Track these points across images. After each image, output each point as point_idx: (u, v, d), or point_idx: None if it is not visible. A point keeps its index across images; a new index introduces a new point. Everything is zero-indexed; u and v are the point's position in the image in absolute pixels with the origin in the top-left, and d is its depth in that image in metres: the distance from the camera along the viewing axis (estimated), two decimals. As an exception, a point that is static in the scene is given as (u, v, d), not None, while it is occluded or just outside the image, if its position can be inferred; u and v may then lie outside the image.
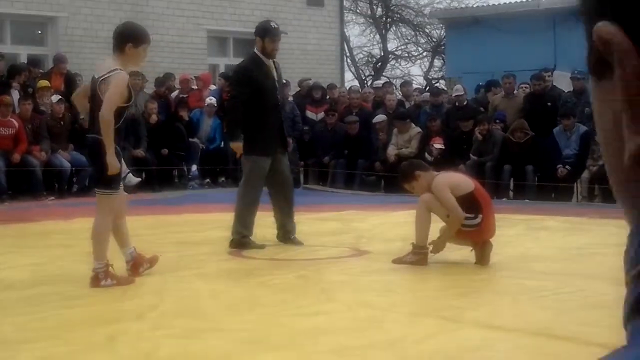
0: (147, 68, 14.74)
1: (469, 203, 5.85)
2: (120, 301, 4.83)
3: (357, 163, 13.00)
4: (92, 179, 11.18)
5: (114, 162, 5.12)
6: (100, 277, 5.18)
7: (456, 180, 6.03)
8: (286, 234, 7.01)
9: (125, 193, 11.42)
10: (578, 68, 13.06)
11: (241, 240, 6.81)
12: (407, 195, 7.87)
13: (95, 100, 5.23)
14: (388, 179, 12.54)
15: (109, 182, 5.23)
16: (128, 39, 5.27)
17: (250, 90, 6.81)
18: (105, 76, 5.15)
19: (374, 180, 13.05)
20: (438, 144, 12.20)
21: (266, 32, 6.92)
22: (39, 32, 15.76)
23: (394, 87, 16.13)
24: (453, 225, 5.83)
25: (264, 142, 6.81)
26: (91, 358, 3.70)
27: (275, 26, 7.02)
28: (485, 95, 13.59)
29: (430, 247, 5.93)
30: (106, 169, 5.14)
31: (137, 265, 5.43)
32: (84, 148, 9.19)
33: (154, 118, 12.76)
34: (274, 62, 7.00)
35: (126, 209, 5.59)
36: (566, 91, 13.04)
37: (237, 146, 6.97)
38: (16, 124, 11.23)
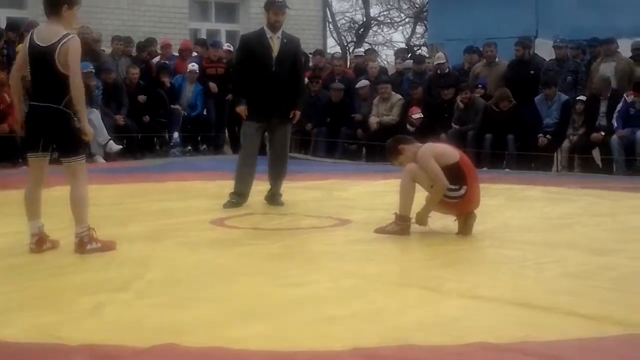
0: (129, 33, 14.66)
1: (454, 173, 5.87)
2: (105, 270, 4.85)
3: (339, 131, 13.01)
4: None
5: (88, 129, 5.22)
6: (85, 241, 5.22)
7: (441, 151, 6.03)
8: (271, 196, 7.62)
9: (104, 160, 11.50)
10: (560, 36, 13.09)
11: (229, 197, 7.38)
12: (388, 165, 7.91)
13: (48, 68, 5.10)
14: (370, 147, 12.58)
15: (78, 149, 5.27)
16: (63, 0, 5.21)
17: (247, 60, 7.36)
18: (63, 42, 5.08)
19: (356, 149, 13.06)
20: (416, 114, 12.23)
21: (270, 5, 7.37)
22: (18, -6, 15.53)
23: (377, 55, 16.03)
24: (436, 194, 5.87)
25: (254, 109, 7.32)
26: (79, 326, 3.71)
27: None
28: (463, 62, 13.55)
29: (414, 219, 5.99)
30: (76, 137, 5.19)
31: (42, 241, 5.33)
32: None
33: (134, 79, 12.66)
34: (285, 38, 7.40)
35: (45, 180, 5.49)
36: (547, 59, 13.06)
37: (240, 109, 7.44)
38: (8, 99, 11.05)
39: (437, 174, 5.78)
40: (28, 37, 5.33)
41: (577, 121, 11.48)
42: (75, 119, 5.22)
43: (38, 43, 5.18)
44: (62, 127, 5.17)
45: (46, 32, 5.23)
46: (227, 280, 4.62)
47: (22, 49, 5.37)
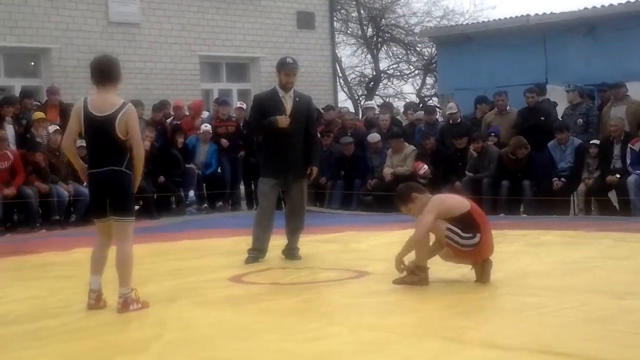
0: (142, 95, 14.87)
1: (466, 222, 5.90)
2: (123, 332, 4.84)
3: (353, 183, 13.06)
4: (89, 210, 11.10)
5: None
6: (129, 302, 5.32)
7: (450, 203, 6.07)
8: (288, 250, 7.69)
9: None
10: (570, 81, 13.17)
11: (248, 253, 7.47)
12: (404, 215, 7.91)
13: (108, 136, 5.30)
14: (384, 198, 12.57)
15: (132, 210, 5.52)
16: (119, 69, 5.54)
17: (260, 118, 7.52)
18: (122, 111, 5.32)
19: (371, 200, 13.07)
20: (421, 169, 12.28)
21: (281, 66, 7.54)
22: (32, 63, 15.82)
23: (393, 108, 16.05)
24: (412, 240, 5.94)
25: (269, 165, 7.55)
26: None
27: (290, 61, 7.58)
28: (475, 111, 13.62)
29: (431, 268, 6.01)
30: (132, 198, 5.44)
31: (100, 298, 5.45)
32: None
33: (147, 144, 12.78)
34: (297, 96, 7.57)
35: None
36: (558, 105, 13.11)
37: (280, 119, 7.39)
38: (11, 156, 11.28)
39: (423, 227, 5.83)
40: (81, 106, 5.42)
41: (591, 165, 11.48)
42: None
43: (95, 113, 5.35)
44: (123, 188, 5.36)
45: (101, 102, 5.40)
46: (246, 337, 4.59)
47: (75, 117, 5.48)
